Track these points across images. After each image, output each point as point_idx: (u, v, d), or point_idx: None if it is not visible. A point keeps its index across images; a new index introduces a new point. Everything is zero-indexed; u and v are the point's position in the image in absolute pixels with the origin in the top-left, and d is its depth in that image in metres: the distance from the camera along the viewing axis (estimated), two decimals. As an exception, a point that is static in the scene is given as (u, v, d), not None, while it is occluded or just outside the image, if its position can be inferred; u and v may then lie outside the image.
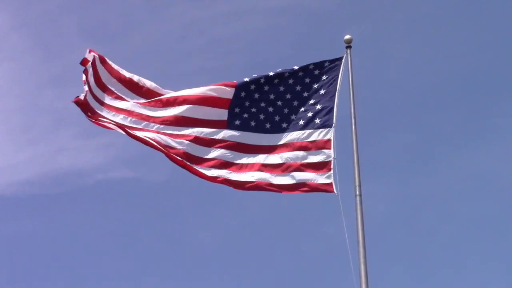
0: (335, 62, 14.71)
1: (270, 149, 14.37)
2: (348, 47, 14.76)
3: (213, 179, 14.18)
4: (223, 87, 14.76)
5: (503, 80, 33.01)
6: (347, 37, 14.77)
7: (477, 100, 33.52)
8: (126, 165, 32.31)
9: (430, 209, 30.84)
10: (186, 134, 14.49)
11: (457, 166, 32.02)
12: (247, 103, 14.76)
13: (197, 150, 14.37)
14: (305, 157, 14.08)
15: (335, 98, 14.40)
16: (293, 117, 14.57)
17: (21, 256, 32.20)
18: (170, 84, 15.21)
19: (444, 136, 32.73)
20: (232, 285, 29.65)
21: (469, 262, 29.58)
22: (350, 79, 14.43)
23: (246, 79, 14.81)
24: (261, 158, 14.28)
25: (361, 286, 12.35)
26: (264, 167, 14.21)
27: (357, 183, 13.21)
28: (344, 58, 14.71)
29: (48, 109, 34.17)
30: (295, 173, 14.01)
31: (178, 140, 14.37)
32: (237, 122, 14.62)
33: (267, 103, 14.73)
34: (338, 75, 14.56)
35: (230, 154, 14.38)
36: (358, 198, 13.10)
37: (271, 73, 14.81)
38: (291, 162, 14.13)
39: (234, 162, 14.31)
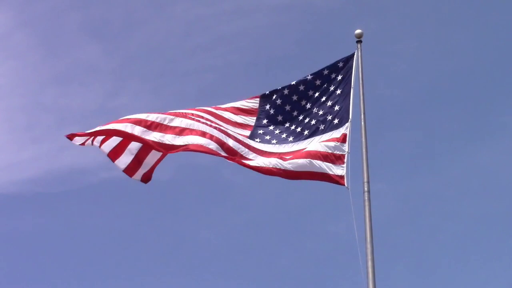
0: (349, 60, 14.48)
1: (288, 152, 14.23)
2: (359, 41, 14.49)
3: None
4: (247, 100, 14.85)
5: (511, 78, 33.00)
6: (358, 31, 14.49)
7: (484, 98, 33.52)
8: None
9: (435, 207, 30.83)
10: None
11: (463, 164, 32.00)
12: (272, 111, 14.73)
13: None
14: (321, 148, 13.83)
15: (350, 94, 14.20)
16: (313, 122, 14.42)
17: (24, 254, 32.20)
18: (173, 82, 15.11)
19: (450, 134, 32.73)
20: (237, 284, 29.58)
21: (475, 260, 29.54)
22: (360, 75, 14.23)
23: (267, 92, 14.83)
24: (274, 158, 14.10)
25: (368, 282, 12.30)
26: (280, 155, 14.06)
27: (365, 179, 13.13)
28: (355, 54, 14.44)
29: (52, 107, 34.19)
30: (307, 159, 13.74)
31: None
32: (261, 131, 14.57)
33: (290, 122, 14.64)
34: (351, 72, 14.35)
35: (245, 150, 14.22)
36: (366, 194, 13.03)
37: (286, 91, 14.73)
38: (307, 150, 13.92)
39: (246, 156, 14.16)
